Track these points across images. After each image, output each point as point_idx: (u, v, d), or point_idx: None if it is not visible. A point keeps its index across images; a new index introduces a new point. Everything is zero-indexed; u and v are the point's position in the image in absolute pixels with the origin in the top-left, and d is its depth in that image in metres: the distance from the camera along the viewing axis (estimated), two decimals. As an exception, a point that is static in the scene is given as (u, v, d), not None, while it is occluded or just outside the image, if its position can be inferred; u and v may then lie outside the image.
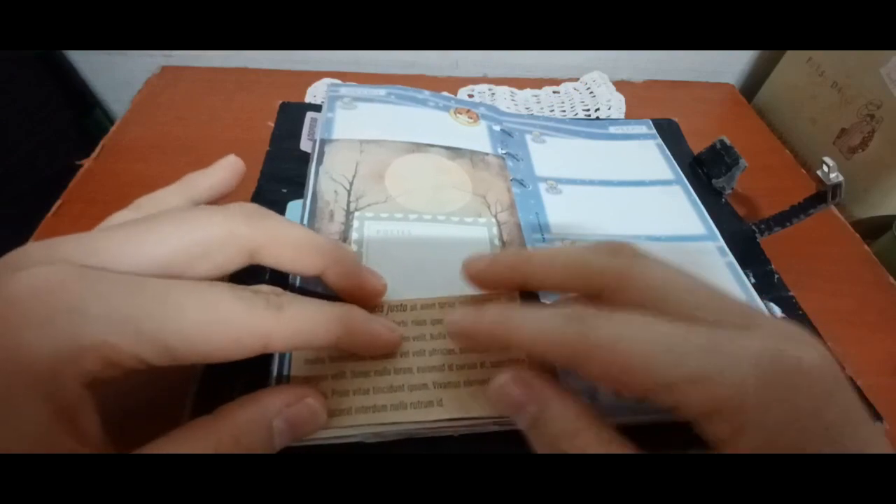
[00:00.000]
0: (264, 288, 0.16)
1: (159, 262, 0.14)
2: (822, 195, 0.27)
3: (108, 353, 0.12)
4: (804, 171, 0.38)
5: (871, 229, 0.34)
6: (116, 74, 0.44)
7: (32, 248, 0.13)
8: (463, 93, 0.41)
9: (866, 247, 0.32)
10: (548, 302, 0.23)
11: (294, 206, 0.26)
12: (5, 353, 0.11)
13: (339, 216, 0.24)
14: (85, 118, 0.46)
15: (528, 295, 0.22)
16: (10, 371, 0.11)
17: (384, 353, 0.19)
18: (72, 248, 0.13)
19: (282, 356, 0.18)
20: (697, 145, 0.35)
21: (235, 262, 0.16)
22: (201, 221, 0.15)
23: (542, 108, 0.40)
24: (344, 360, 0.19)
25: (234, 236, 0.15)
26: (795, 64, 0.42)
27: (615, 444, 0.14)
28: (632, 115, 0.40)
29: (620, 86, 0.42)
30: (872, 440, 0.13)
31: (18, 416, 0.11)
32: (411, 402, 0.18)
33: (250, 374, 0.20)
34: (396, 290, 0.21)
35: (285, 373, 0.18)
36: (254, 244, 0.16)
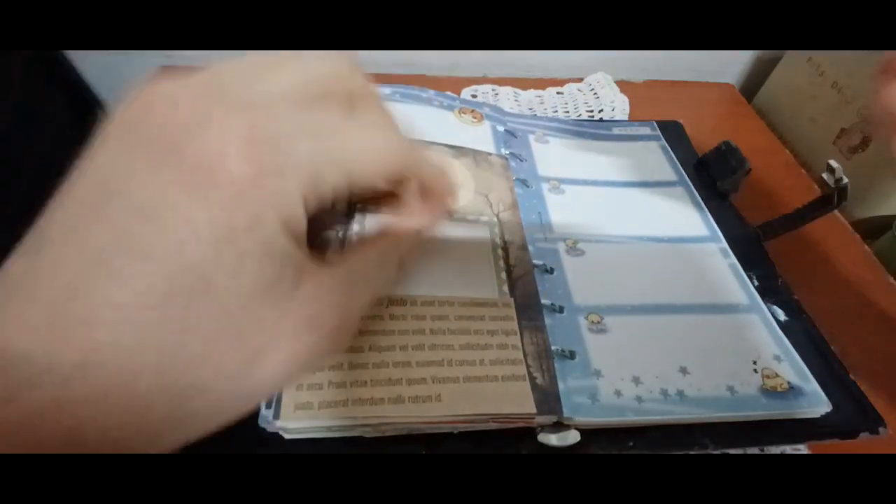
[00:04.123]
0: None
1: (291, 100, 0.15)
2: (828, 199, 0.27)
3: (317, 185, 0.13)
4: (804, 172, 0.38)
5: (871, 229, 0.34)
6: (116, 74, 0.44)
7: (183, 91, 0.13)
8: (466, 93, 0.41)
9: (866, 247, 0.32)
10: (548, 303, 0.23)
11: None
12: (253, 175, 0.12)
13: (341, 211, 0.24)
14: (85, 118, 0.46)
15: (526, 301, 0.22)
16: (268, 212, 0.12)
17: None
18: (217, 91, 0.14)
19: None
20: (697, 145, 0.35)
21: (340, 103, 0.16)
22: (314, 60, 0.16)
23: (545, 109, 0.40)
24: (342, 352, 0.19)
25: (337, 84, 0.16)
26: (795, 64, 0.42)
27: None
28: (631, 114, 0.40)
29: (621, 85, 0.42)
30: None
31: (288, 250, 0.12)
32: (410, 397, 0.18)
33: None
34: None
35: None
36: (350, 93, 0.16)
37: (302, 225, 0.13)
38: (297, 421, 0.17)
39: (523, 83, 0.42)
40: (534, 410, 0.18)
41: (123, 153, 0.12)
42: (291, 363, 0.13)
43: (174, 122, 0.12)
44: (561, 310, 0.23)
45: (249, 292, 0.12)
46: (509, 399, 0.19)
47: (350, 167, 0.14)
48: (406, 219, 0.16)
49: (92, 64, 0.44)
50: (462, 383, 0.19)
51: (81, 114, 0.46)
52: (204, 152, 0.12)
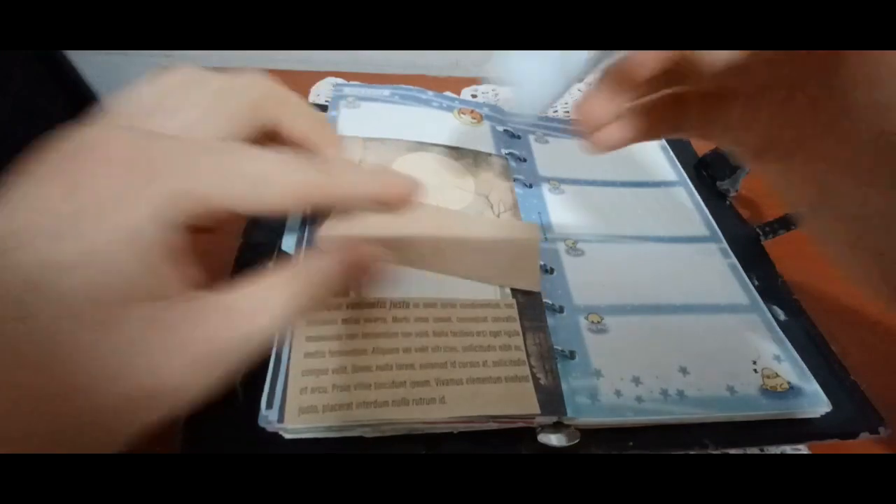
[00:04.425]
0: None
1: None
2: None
3: (196, 205, 0.14)
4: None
5: (872, 229, 0.34)
6: (116, 74, 0.44)
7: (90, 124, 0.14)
8: (466, 93, 0.41)
9: (866, 247, 0.32)
10: (548, 303, 0.23)
11: (295, 206, 0.26)
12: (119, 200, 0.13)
13: None
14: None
15: (529, 300, 0.22)
16: (128, 216, 0.13)
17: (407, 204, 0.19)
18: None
19: (279, 350, 0.18)
20: (697, 145, 0.35)
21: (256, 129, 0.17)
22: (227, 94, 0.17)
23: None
24: (345, 355, 0.19)
25: (255, 105, 0.17)
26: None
27: None
28: (632, 115, 0.40)
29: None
30: None
31: (142, 255, 0.13)
32: (414, 399, 0.18)
33: (250, 366, 0.20)
34: (399, 287, 0.21)
35: (283, 367, 0.18)
36: (273, 113, 0.18)
37: (167, 242, 0.13)
38: (300, 424, 0.17)
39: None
40: (537, 411, 0.19)
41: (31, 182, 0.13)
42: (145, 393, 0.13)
43: (70, 146, 0.13)
44: (561, 310, 0.23)
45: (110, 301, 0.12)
46: (513, 400, 0.19)
47: (234, 193, 0.14)
48: (316, 261, 0.16)
49: (92, 64, 0.44)
50: (466, 385, 0.19)
51: (81, 114, 0.46)
52: (79, 168, 0.13)
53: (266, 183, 0.15)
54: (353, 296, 0.20)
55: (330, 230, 0.22)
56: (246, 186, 0.15)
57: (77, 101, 0.45)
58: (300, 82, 0.39)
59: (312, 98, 0.38)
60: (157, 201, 0.13)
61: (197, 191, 0.14)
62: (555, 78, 0.17)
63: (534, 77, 0.17)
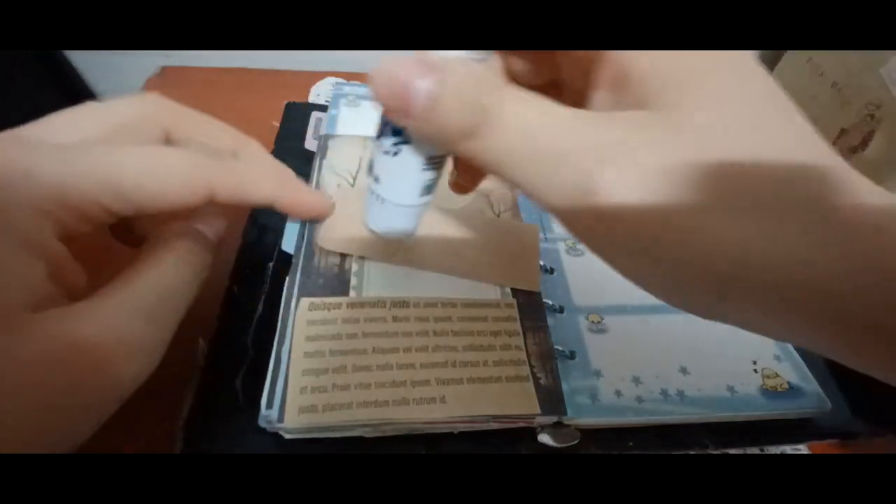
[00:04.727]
0: (220, 135, 0.19)
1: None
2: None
3: (75, 204, 0.13)
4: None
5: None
6: (116, 74, 0.44)
7: None
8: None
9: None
10: (548, 303, 0.23)
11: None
12: None
13: None
14: (85, 118, 0.46)
15: (530, 300, 0.22)
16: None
17: (312, 216, 0.21)
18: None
19: (279, 350, 0.18)
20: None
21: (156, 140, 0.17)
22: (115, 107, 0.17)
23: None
24: (345, 354, 0.19)
25: (145, 118, 0.17)
26: (795, 64, 0.42)
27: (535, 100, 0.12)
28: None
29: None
30: None
31: (9, 265, 0.12)
32: (414, 399, 0.18)
33: (250, 366, 0.20)
34: (399, 287, 0.21)
35: (283, 366, 0.18)
36: (166, 123, 0.17)
37: (47, 242, 0.13)
38: (300, 423, 0.17)
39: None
40: (538, 411, 0.19)
41: None
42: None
43: None
44: (561, 310, 0.23)
45: None
46: (513, 400, 0.19)
47: (116, 184, 0.14)
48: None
49: (92, 64, 0.44)
50: (466, 384, 0.19)
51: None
52: None
53: (151, 176, 0.15)
54: (353, 295, 0.21)
55: (328, 231, 0.22)
56: (128, 183, 0.14)
57: (77, 101, 0.45)
58: (300, 82, 0.39)
59: (312, 98, 0.38)
60: (18, 228, 0.12)
61: (69, 198, 0.13)
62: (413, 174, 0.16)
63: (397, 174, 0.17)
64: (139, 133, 0.17)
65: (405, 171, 0.16)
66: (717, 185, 0.10)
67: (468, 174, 0.18)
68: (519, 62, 0.15)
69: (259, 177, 0.18)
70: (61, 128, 0.16)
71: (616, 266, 0.13)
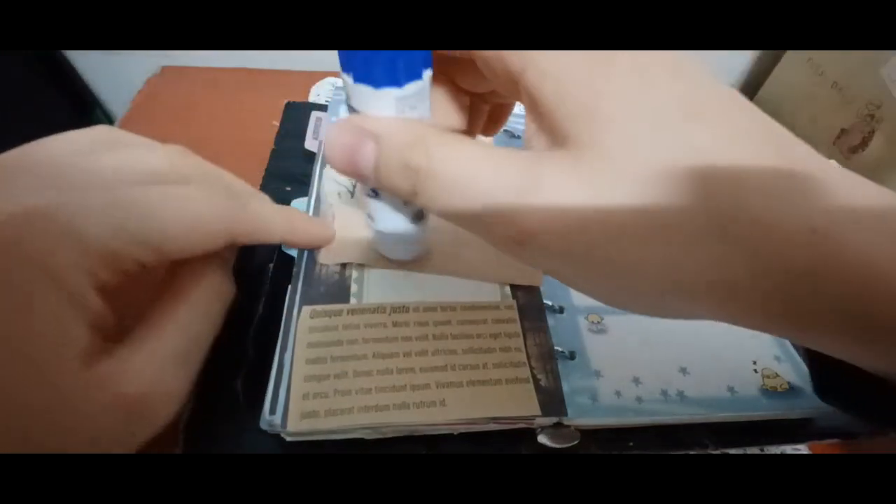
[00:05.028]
0: (237, 184, 0.19)
1: None
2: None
3: (113, 261, 0.14)
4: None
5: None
6: (116, 74, 0.44)
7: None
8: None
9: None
10: (548, 303, 0.23)
11: (297, 205, 0.26)
12: (28, 282, 0.13)
13: None
14: (85, 118, 0.46)
15: (530, 301, 0.22)
16: (44, 297, 0.13)
17: (319, 245, 0.21)
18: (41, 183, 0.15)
19: (282, 357, 0.18)
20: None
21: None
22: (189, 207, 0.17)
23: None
24: (346, 360, 0.19)
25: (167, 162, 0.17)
26: (795, 64, 0.42)
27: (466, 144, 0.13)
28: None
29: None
30: None
31: (63, 327, 0.13)
32: (414, 402, 0.18)
33: (250, 367, 0.20)
34: (399, 292, 0.21)
35: (286, 372, 0.18)
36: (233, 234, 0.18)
37: (90, 301, 0.14)
38: (303, 428, 0.17)
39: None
40: (538, 412, 0.19)
41: None
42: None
43: None
44: (561, 310, 0.23)
45: (12, 382, 0.12)
46: (514, 402, 0.19)
47: (152, 239, 0.15)
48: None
49: (92, 64, 0.44)
50: (466, 387, 0.19)
51: (81, 114, 0.46)
52: None
53: (187, 231, 0.15)
54: (354, 302, 0.21)
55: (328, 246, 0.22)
56: (169, 245, 0.15)
57: (77, 101, 0.45)
58: (300, 82, 0.39)
59: (312, 98, 0.38)
60: (70, 291, 0.13)
61: (114, 260, 0.14)
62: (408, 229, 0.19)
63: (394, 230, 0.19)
64: (155, 179, 0.16)
65: (389, 207, 0.17)
66: (629, 217, 0.10)
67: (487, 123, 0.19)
68: (464, 77, 0.16)
69: (271, 217, 0.19)
70: (90, 161, 0.15)
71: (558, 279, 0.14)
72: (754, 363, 0.22)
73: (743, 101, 0.11)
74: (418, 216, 0.18)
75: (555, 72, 0.11)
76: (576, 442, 0.19)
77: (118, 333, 0.15)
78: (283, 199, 0.27)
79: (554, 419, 0.19)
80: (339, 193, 0.25)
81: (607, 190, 0.10)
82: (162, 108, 0.37)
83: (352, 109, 0.14)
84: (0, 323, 0.12)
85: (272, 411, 0.17)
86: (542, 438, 0.19)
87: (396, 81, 0.13)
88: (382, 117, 0.13)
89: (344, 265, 0.22)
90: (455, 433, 0.19)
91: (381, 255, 0.22)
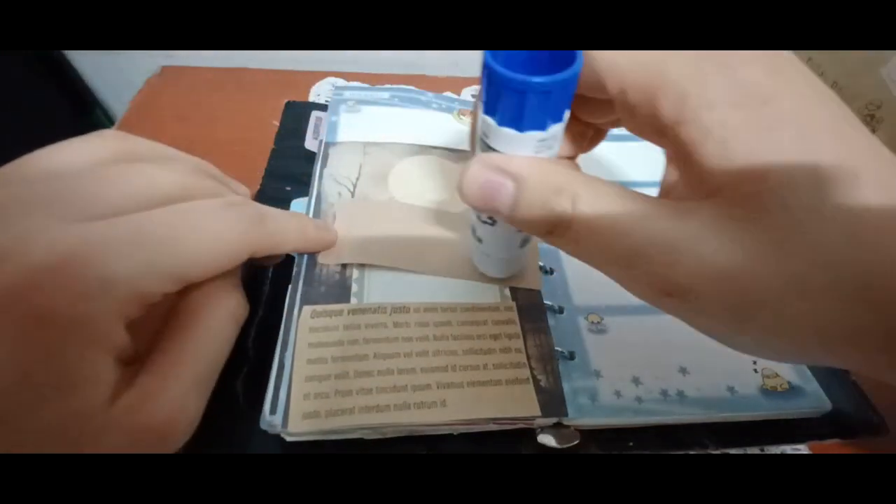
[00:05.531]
0: (237, 199, 0.18)
1: None
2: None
3: (141, 298, 0.14)
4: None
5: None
6: (116, 74, 0.44)
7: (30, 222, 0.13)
8: (466, 93, 0.41)
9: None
10: (548, 304, 0.23)
11: (297, 205, 0.26)
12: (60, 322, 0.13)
13: None
14: (85, 118, 0.46)
15: (530, 302, 0.22)
16: (76, 348, 0.13)
17: (326, 248, 0.22)
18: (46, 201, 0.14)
19: (283, 357, 0.18)
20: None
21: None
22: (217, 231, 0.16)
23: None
24: (347, 360, 0.19)
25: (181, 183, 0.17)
26: (795, 64, 0.42)
27: (612, 195, 0.13)
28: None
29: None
30: None
31: (96, 371, 0.13)
32: (415, 403, 0.18)
33: (251, 368, 0.20)
34: (400, 292, 0.21)
35: (286, 372, 0.18)
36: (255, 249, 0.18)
37: (118, 339, 0.14)
38: (303, 429, 0.17)
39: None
40: (538, 413, 0.19)
41: None
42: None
43: None
44: (561, 310, 0.23)
45: (48, 425, 0.13)
46: (514, 402, 0.19)
47: (178, 271, 0.15)
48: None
49: (92, 64, 0.44)
50: (466, 388, 0.19)
51: (81, 114, 0.46)
52: (6, 281, 0.12)
53: (210, 259, 0.16)
54: (355, 302, 0.21)
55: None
56: (192, 272, 0.15)
57: (77, 101, 0.45)
58: (300, 82, 0.39)
59: (312, 98, 0.38)
60: (100, 335, 0.13)
61: (142, 299, 0.14)
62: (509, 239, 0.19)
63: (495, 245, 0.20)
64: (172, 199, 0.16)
65: (503, 234, 0.19)
66: (790, 277, 0.10)
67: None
68: (591, 112, 0.16)
69: (286, 228, 0.19)
70: (102, 188, 0.15)
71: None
72: (754, 363, 0.22)
73: (890, 156, 0.11)
74: (525, 242, 0.20)
75: (719, 132, 0.11)
76: (576, 442, 0.19)
77: (132, 356, 0.15)
78: (283, 199, 0.27)
79: (554, 419, 0.19)
80: (339, 193, 0.25)
81: (787, 251, 0.10)
82: (162, 108, 0.37)
83: (486, 146, 0.14)
84: (34, 373, 0.12)
85: (273, 411, 0.17)
86: (542, 439, 0.19)
87: (542, 126, 0.13)
88: (523, 158, 0.14)
89: (344, 265, 0.22)
90: (455, 433, 0.19)
91: (379, 256, 0.22)
